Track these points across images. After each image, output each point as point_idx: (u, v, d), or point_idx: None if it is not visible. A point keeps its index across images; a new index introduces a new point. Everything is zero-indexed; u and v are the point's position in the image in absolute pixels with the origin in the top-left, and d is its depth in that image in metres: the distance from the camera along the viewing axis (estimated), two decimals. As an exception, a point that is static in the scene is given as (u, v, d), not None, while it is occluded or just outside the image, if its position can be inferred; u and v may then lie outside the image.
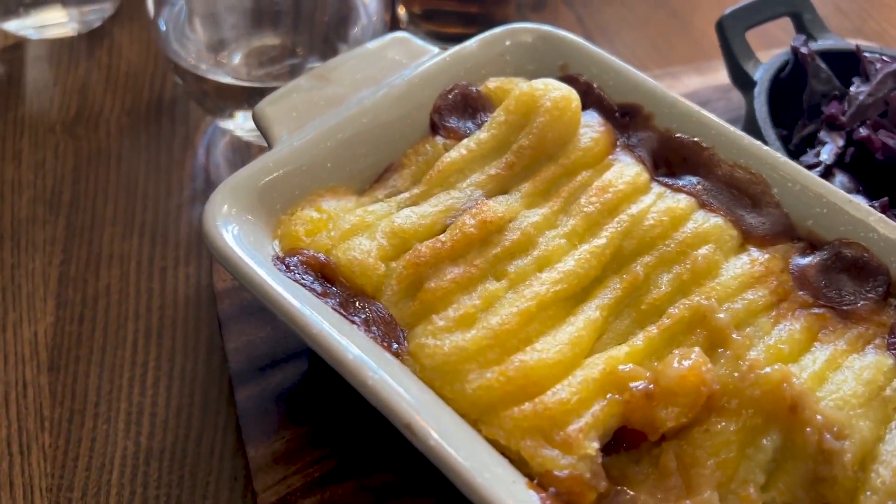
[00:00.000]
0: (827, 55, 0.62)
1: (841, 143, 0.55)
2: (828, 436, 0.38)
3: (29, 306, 0.59)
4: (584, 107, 0.52)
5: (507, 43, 0.55)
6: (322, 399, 0.49)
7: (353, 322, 0.40)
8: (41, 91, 0.75)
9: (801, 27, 0.65)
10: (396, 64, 0.53)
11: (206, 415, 0.54)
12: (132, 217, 0.65)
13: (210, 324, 0.58)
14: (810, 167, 0.54)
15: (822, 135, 0.56)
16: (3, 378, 0.55)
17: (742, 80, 0.61)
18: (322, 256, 0.43)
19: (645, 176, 0.49)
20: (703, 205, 0.48)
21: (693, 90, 0.71)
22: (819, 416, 0.38)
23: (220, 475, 0.51)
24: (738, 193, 0.48)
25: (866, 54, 0.61)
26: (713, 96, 0.70)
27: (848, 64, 0.62)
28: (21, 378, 0.55)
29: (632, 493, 0.38)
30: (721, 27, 0.62)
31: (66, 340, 0.57)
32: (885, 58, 0.60)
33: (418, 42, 0.55)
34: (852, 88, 0.58)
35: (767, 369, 0.40)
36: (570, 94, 0.50)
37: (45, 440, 0.52)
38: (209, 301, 0.59)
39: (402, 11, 0.85)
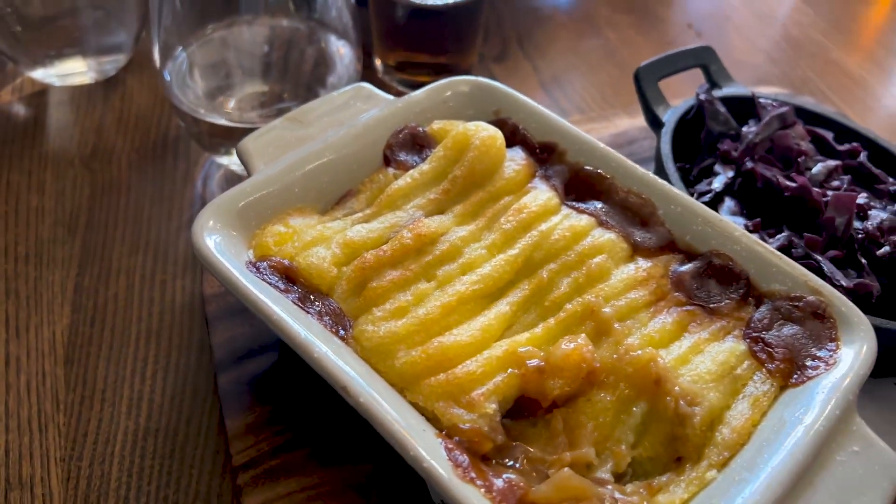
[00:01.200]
0: (729, 100, 0.73)
1: (731, 174, 0.66)
2: (682, 403, 0.48)
3: (48, 311, 0.69)
4: (511, 144, 0.63)
5: (449, 93, 0.66)
6: (288, 383, 0.59)
7: (308, 312, 0.51)
8: (62, 130, 0.87)
9: (709, 77, 0.76)
10: (357, 109, 0.64)
11: (195, 401, 0.64)
12: (138, 238, 0.76)
13: (201, 327, 0.68)
14: (703, 194, 0.65)
15: (717, 167, 0.67)
16: (25, 369, 0.65)
17: (654, 122, 0.72)
18: (286, 262, 0.53)
19: (556, 200, 0.59)
20: (601, 223, 0.58)
21: (623, 130, 0.81)
22: (677, 388, 0.48)
23: (205, 449, 0.61)
24: (631, 214, 0.59)
25: (761, 100, 0.72)
26: (640, 135, 0.81)
27: (747, 107, 0.73)
28: (41, 369, 0.65)
29: (526, 447, 0.48)
30: (637, 77, 0.73)
31: (80, 339, 0.67)
32: (774, 103, 0.71)
33: (376, 91, 0.66)
34: (744, 128, 0.69)
35: (639, 352, 0.50)
36: (496, 135, 0.61)
37: (59, 420, 0.62)
38: (201, 307, 0.69)
39: (378, 63, 0.96)
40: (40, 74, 0.90)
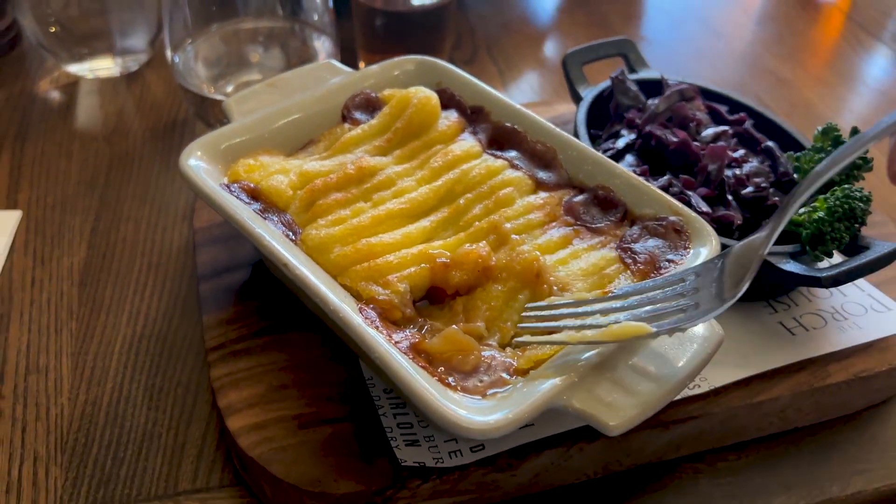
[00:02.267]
0: (643, 82, 0.86)
1: (633, 137, 0.79)
2: (555, 289, 0.60)
3: (69, 247, 0.84)
4: (448, 107, 0.77)
5: (398, 70, 0.80)
6: (255, 291, 0.72)
7: (266, 218, 0.64)
8: (90, 113, 1.02)
9: (628, 64, 0.89)
10: (323, 79, 0.79)
11: (184, 316, 0.77)
12: (146, 195, 0.91)
13: (193, 262, 0.82)
14: (607, 150, 0.78)
15: (622, 132, 0.80)
16: (47, 288, 0.79)
17: (576, 98, 0.85)
18: (252, 185, 0.67)
19: (478, 148, 0.73)
20: (513, 166, 0.71)
21: (560, 114, 0.95)
22: (552, 278, 0.61)
23: (189, 351, 0.74)
24: (537, 159, 0.72)
25: (669, 81, 0.85)
26: (573, 117, 0.94)
27: (659, 89, 0.86)
28: (59, 289, 0.79)
29: (432, 322, 0.60)
30: (564, 62, 0.87)
31: (92, 268, 0.82)
32: (678, 82, 0.84)
33: (340, 66, 0.81)
34: (649, 101, 0.82)
35: (526, 254, 0.62)
36: (432, 95, 0.74)
37: (72, 325, 0.76)
38: (193, 243, 0.83)
39: (362, 65, 1.11)
40: (74, 68, 1.07)
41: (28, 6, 0.99)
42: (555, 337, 0.55)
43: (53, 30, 1.01)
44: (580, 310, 0.56)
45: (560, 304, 0.57)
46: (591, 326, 0.54)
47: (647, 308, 0.55)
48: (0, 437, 0.66)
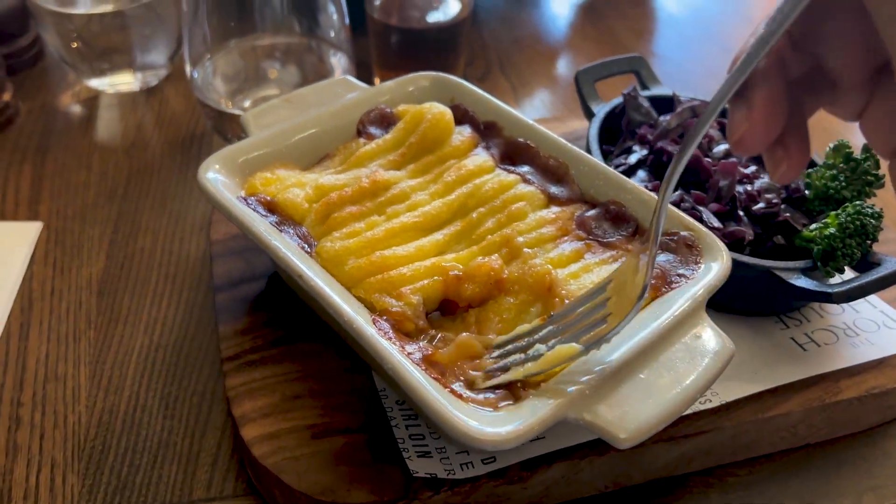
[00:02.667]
0: (655, 98, 0.87)
1: (645, 152, 0.79)
2: (567, 301, 0.61)
3: (88, 258, 0.85)
4: (461, 122, 0.78)
5: (412, 86, 0.81)
6: (271, 302, 0.73)
7: (282, 231, 0.65)
8: (110, 126, 1.04)
9: (640, 80, 0.90)
10: (338, 94, 0.80)
11: (200, 326, 0.78)
12: (163, 206, 0.92)
13: (210, 273, 0.83)
14: (619, 165, 0.78)
15: (634, 147, 0.80)
16: (66, 298, 0.81)
17: (589, 115, 0.86)
18: (269, 198, 0.68)
19: (491, 163, 0.74)
20: (525, 181, 0.72)
21: (573, 129, 0.96)
22: (564, 291, 0.61)
23: (204, 360, 0.75)
24: (550, 174, 0.72)
25: (681, 97, 0.86)
26: (585, 133, 0.95)
27: (671, 105, 0.87)
28: (78, 299, 0.81)
29: (445, 333, 0.61)
30: (577, 79, 0.88)
31: (110, 278, 0.83)
32: (690, 99, 0.85)
33: (355, 81, 0.82)
34: (661, 118, 0.83)
35: (538, 267, 0.63)
36: (445, 111, 0.75)
37: (90, 334, 0.77)
38: (210, 254, 0.84)
39: (377, 81, 1.13)
40: (95, 83, 1.09)
41: (51, 22, 1.01)
42: (505, 376, 0.55)
43: (75, 45, 1.03)
44: (523, 343, 0.57)
45: (504, 341, 0.58)
46: (533, 358, 0.55)
47: (578, 327, 0.56)
48: (19, 443, 0.67)
